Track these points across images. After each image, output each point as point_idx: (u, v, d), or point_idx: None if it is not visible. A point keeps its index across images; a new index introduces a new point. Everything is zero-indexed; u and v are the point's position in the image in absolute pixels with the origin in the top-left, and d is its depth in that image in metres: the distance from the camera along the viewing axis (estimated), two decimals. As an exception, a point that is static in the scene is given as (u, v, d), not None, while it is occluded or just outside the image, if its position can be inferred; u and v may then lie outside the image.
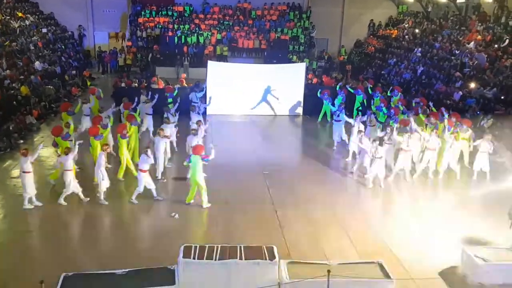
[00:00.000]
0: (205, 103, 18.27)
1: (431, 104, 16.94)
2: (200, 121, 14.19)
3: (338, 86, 19.61)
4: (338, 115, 15.71)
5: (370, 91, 19.08)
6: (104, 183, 11.21)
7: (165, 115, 14.47)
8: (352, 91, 19.22)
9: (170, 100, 17.30)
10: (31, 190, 10.81)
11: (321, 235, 10.21)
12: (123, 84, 20.52)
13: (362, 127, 14.49)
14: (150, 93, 17.19)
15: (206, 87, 19.33)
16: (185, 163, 11.55)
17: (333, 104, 17.44)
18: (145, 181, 11.20)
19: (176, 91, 17.91)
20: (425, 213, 11.75)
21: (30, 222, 10.37)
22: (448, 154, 13.33)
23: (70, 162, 11.00)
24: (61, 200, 11.06)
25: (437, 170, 13.57)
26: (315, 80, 22.18)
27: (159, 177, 12.65)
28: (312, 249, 9.54)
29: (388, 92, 19.06)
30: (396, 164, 13.20)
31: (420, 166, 13.38)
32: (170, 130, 13.77)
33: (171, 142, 13.94)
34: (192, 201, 11.32)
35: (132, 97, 16.74)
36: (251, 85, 19.94)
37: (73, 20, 32.26)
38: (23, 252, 9.14)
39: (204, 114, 17.76)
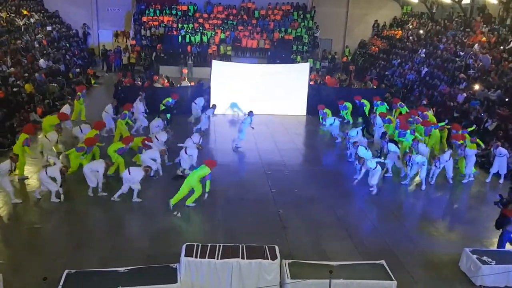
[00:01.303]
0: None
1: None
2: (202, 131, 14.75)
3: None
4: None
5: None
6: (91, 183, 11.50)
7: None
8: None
9: (163, 107, 17.39)
10: (8, 188, 10.94)
11: (323, 236, 10.21)
12: (157, 85, 20.90)
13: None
14: (143, 94, 17.48)
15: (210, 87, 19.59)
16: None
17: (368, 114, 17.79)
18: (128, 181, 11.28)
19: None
20: (427, 214, 11.75)
21: (33, 219, 10.40)
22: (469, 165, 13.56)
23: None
24: (54, 198, 11.18)
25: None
26: (312, 82, 22.09)
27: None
28: (314, 250, 9.55)
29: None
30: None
31: (435, 172, 13.36)
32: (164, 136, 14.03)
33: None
34: (192, 204, 11.27)
35: (135, 96, 16.99)
36: (254, 85, 19.98)
37: (78, 18, 32.39)
38: (26, 249, 9.18)
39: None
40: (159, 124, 15.17)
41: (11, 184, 11.13)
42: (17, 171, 12.12)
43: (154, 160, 12.44)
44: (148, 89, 19.20)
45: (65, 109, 16.34)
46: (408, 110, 18.43)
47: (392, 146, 13.70)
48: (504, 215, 9.32)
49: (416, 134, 14.81)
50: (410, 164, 12.86)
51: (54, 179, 11.11)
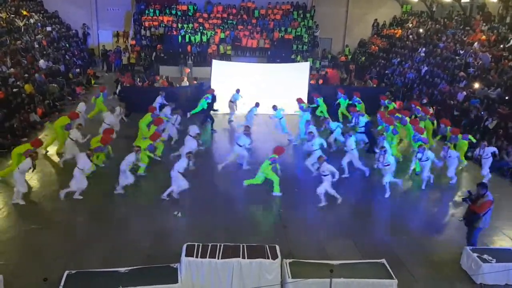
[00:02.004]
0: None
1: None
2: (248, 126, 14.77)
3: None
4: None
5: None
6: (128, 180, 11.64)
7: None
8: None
9: (206, 104, 17.57)
10: (23, 187, 10.99)
11: (323, 235, 10.21)
12: (157, 85, 21.01)
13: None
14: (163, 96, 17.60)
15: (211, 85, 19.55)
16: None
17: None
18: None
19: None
20: (427, 212, 11.75)
21: (33, 219, 10.39)
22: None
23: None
24: (61, 195, 11.24)
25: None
26: (313, 82, 22.09)
27: None
28: (315, 249, 9.54)
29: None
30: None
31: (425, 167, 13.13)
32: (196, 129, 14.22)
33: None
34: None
35: (140, 97, 17.02)
36: (254, 85, 19.97)
37: (78, 18, 32.39)
38: (26, 250, 9.19)
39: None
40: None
41: (26, 185, 11.13)
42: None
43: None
44: (163, 92, 19.14)
45: (81, 106, 16.37)
46: (395, 106, 18.21)
47: (352, 143, 13.41)
48: (473, 211, 9.17)
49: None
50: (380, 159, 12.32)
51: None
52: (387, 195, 12.15)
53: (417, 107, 17.06)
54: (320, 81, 23.74)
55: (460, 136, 14.18)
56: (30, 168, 11.08)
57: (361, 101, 18.41)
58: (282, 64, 23.17)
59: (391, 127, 14.57)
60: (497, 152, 13.78)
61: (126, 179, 11.54)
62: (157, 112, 15.81)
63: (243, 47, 30.77)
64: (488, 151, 13.30)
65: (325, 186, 11.34)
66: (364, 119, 15.82)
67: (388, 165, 12.16)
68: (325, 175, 11.31)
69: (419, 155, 12.74)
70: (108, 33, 33.22)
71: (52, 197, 11.38)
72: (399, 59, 27.46)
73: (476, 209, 9.10)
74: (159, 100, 17.40)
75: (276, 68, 21.50)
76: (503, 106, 16.82)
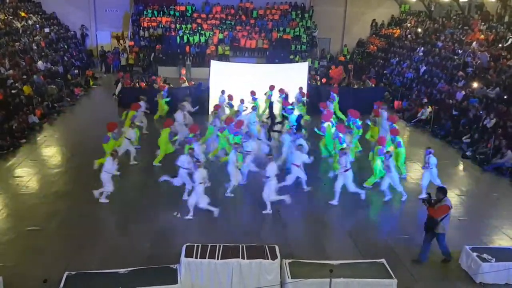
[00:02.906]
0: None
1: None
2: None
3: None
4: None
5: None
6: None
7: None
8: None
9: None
10: (109, 187, 11.14)
11: (323, 235, 10.22)
12: (156, 86, 20.97)
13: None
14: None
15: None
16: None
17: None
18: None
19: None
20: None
21: (33, 221, 10.37)
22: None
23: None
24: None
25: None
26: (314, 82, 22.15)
27: None
28: (314, 249, 9.55)
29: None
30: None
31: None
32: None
33: None
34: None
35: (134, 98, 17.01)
36: (253, 85, 19.93)
37: (76, 19, 32.34)
38: (26, 251, 9.18)
39: None
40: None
41: (112, 184, 11.20)
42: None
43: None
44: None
45: (142, 104, 16.58)
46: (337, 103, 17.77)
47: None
48: (431, 216, 8.94)
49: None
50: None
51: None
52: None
53: (382, 109, 15.98)
54: (324, 80, 23.72)
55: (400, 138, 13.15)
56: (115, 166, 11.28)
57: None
58: (281, 65, 23.16)
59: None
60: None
61: (238, 177, 11.61)
62: (222, 110, 16.19)
63: (242, 47, 30.76)
64: (433, 161, 11.69)
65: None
66: (294, 116, 15.77)
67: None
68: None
69: (343, 161, 11.32)
70: (106, 34, 33.19)
71: (52, 198, 11.36)
72: (397, 58, 27.47)
73: (432, 212, 8.90)
74: (221, 99, 17.83)
75: (275, 69, 21.47)
76: (501, 105, 16.82)
